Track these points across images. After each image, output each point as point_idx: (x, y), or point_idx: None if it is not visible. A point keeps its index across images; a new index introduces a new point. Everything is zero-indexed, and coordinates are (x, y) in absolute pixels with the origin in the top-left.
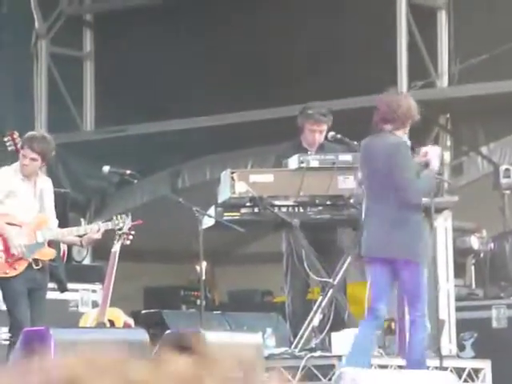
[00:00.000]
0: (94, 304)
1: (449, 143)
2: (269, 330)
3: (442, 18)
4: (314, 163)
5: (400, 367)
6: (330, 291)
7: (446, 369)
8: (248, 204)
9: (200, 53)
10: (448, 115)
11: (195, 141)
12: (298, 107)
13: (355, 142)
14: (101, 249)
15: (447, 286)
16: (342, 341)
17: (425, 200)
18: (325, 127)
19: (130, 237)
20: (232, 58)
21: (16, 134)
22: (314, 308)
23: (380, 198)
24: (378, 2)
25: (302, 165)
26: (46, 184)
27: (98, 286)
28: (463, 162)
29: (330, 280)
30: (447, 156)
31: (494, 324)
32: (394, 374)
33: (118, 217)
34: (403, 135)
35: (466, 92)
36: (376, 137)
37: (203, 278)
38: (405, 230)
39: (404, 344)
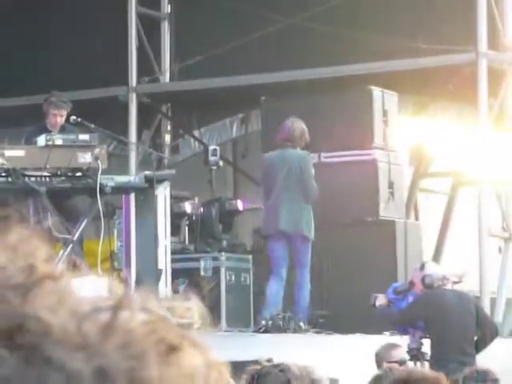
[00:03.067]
0: None
1: (169, 128)
2: None
3: (165, 26)
4: (59, 141)
5: None
6: (70, 246)
7: (162, 308)
8: (3, 174)
9: None
10: (169, 105)
11: None
12: (43, 96)
13: (92, 125)
14: None
15: (165, 242)
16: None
17: (148, 172)
18: (65, 112)
19: None
20: None
21: None
22: (57, 259)
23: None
24: (113, 10)
25: (49, 142)
26: None
27: None
28: (180, 143)
29: (70, 236)
30: (167, 138)
31: (202, 272)
32: None
33: None
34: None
35: (183, 87)
36: (284, 150)
37: None
38: (304, 215)
39: None
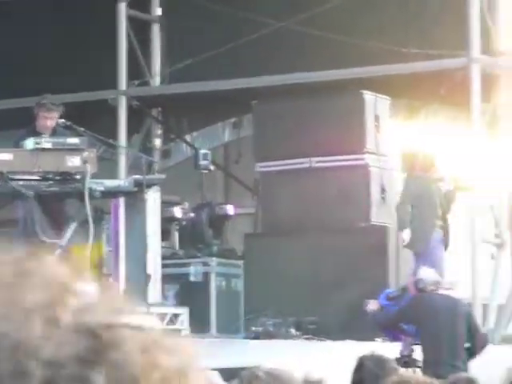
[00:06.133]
0: None
1: (159, 132)
2: None
3: (155, 29)
4: (48, 145)
5: None
6: (58, 250)
7: (151, 314)
8: None
9: None
10: (159, 109)
11: None
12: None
13: (82, 129)
14: None
15: (155, 246)
16: None
17: (137, 177)
18: (56, 115)
19: None
20: None
21: None
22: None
23: None
24: (102, 13)
25: (38, 146)
26: None
27: None
28: (171, 147)
29: (58, 241)
30: (158, 142)
31: (192, 278)
32: None
33: None
34: None
35: (173, 90)
36: None
37: None
38: None
39: None
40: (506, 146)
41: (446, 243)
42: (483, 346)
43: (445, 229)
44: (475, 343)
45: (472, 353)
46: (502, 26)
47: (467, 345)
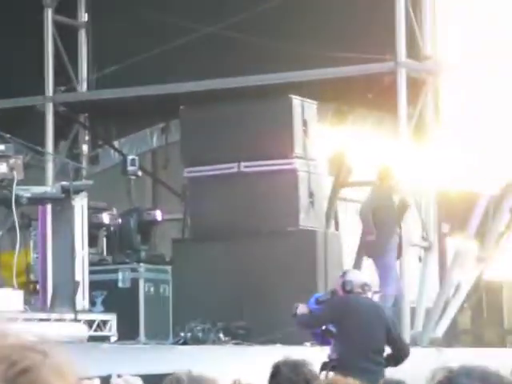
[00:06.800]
0: None
1: (87, 138)
2: None
3: (82, 35)
4: None
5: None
6: None
7: (79, 321)
8: None
9: None
10: (86, 115)
11: None
12: None
13: (8, 135)
14: None
15: (82, 253)
16: None
17: (65, 183)
18: None
19: None
20: None
21: None
22: None
23: None
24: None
25: None
26: None
27: None
28: (99, 153)
29: None
30: (85, 148)
31: (120, 284)
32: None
33: None
34: None
35: (100, 96)
36: None
37: None
38: None
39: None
40: (431, 150)
41: (399, 250)
42: (402, 356)
43: (400, 236)
44: (394, 352)
45: (390, 361)
46: (428, 31)
47: (388, 351)
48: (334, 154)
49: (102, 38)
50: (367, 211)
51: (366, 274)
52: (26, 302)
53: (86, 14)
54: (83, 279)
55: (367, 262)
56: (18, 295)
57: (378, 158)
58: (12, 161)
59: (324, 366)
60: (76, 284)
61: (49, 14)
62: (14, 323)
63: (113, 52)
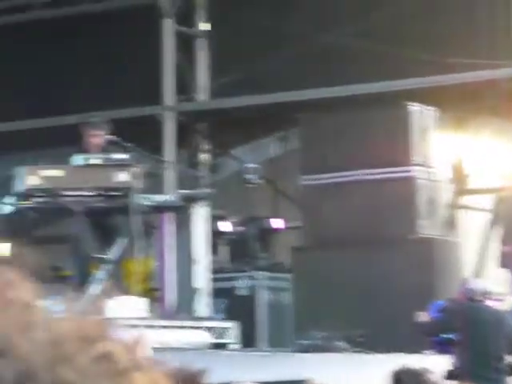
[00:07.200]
0: None
1: (206, 147)
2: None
3: (201, 43)
4: (96, 161)
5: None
6: (107, 266)
7: (200, 328)
8: (40, 194)
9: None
10: (206, 124)
11: None
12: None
13: (128, 144)
14: None
15: (204, 261)
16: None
17: (184, 191)
18: (102, 133)
19: None
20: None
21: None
22: (95, 278)
23: None
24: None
25: (86, 162)
26: None
27: None
28: (218, 162)
29: (107, 256)
30: (205, 157)
31: (239, 292)
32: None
33: None
34: None
35: (220, 105)
36: None
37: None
38: None
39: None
40: None
41: None
42: None
43: None
44: None
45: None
46: None
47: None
48: (453, 162)
49: (220, 46)
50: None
51: (489, 281)
52: (149, 309)
53: (206, 23)
54: (204, 287)
55: (494, 271)
56: (142, 302)
57: (498, 166)
58: (133, 169)
59: (450, 375)
60: (195, 291)
61: (169, 24)
62: (138, 330)
63: (231, 61)
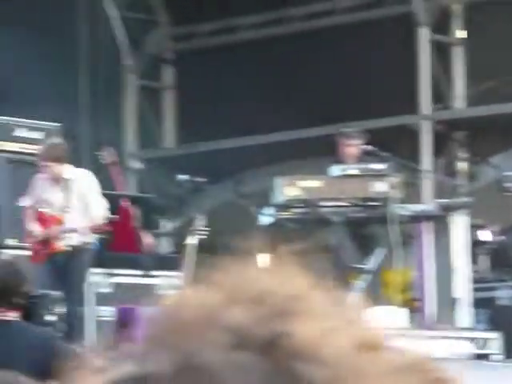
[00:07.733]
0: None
1: (464, 155)
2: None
3: (457, 52)
4: (354, 171)
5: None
6: (366, 276)
7: (463, 338)
8: (299, 205)
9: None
10: (463, 132)
11: (253, 155)
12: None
13: (385, 154)
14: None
15: (465, 270)
16: (376, 315)
17: (443, 200)
18: (358, 142)
19: (203, 233)
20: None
21: (108, 151)
22: (354, 288)
23: None
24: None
25: (343, 172)
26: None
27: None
28: (476, 170)
29: (366, 266)
30: (463, 165)
31: (500, 302)
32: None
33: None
34: None
35: (478, 112)
36: None
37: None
38: None
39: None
40: None
41: None
42: None
43: None
44: None
45: None
46: None
47: None
48: None
49: (476, 53)
50: None
51: None
52: (409, 319)
53: (463, 31)
54: (465, 297)
55: None
56: (403, 313)
57: None
58: (391, 179)
59: None
60: (455, 301)
61: (425, 33)
62: (400, 340)
63: (488, 67)
